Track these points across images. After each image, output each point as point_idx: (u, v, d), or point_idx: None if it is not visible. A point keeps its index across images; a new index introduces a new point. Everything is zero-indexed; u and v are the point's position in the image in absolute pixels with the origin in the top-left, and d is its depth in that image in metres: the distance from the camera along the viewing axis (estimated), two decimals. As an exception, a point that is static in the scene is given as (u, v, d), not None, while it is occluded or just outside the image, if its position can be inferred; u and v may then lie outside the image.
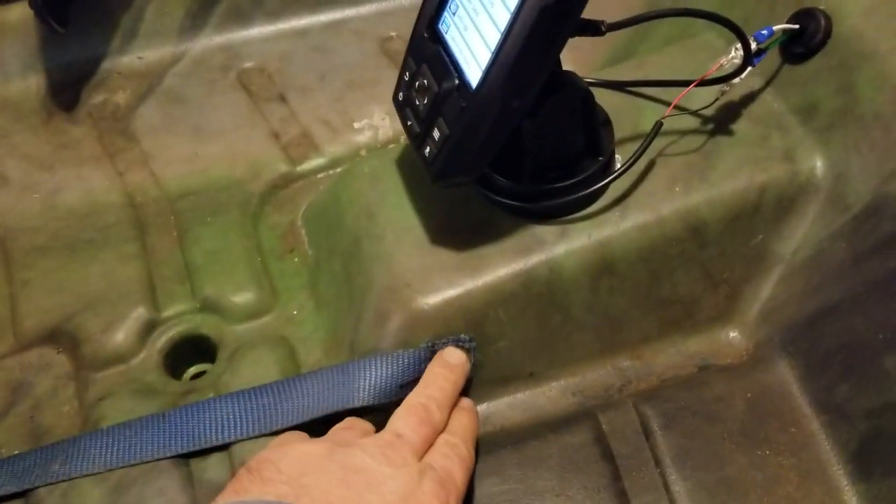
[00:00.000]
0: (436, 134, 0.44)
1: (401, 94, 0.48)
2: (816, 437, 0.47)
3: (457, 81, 0.43)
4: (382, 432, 0.43)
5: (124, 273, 0.58)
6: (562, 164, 0.49)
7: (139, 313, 0.55)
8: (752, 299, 0.52)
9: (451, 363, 0.48)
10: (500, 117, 0.42)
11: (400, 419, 0.44)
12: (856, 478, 0.45)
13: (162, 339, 0.55)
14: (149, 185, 0.64)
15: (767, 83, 0.54)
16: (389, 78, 0.69)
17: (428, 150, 0.45)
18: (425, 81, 0.44)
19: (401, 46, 0.73)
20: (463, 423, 0.46)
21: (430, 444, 0.43)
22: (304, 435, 0.45)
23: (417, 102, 0.45)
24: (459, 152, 0.43)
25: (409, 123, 0.47)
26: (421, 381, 0.47)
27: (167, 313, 0.56)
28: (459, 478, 0.42)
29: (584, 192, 0.49)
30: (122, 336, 0.54)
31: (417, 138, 0.46)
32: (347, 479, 0.39)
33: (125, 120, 0.69)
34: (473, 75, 0.42)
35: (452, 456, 0.43)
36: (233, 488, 0.40)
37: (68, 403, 0.53)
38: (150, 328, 0.55)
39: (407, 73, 0.47)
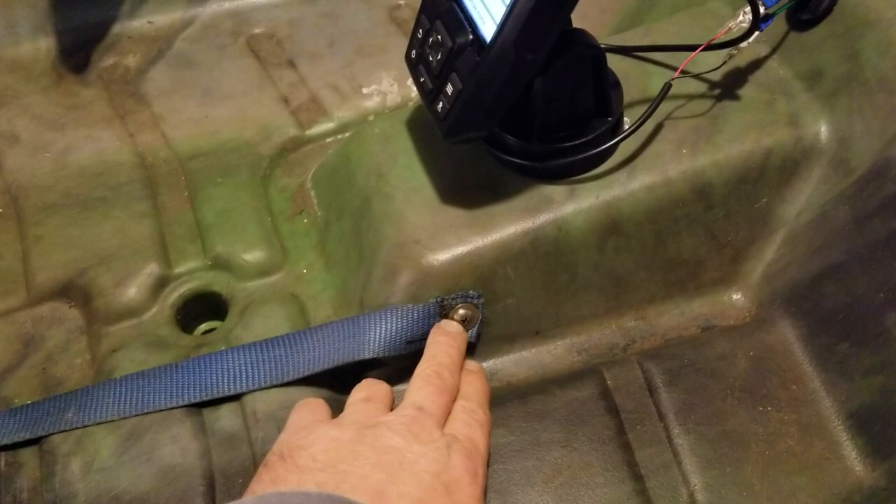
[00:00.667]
0: (449, 89, 0.44)
1: (413, 52, 0.48)
2: (817, 394, 0.48)
3: (471, 36, 0.43)
4: (403, 406, 0.43)
5: (136, 230, 0.58)
6: (571, 123, 0.49)
7: (151, 269, 0.56)
8: (755, 261, 0.53)
9: (450, 332, 0.49)
10: (514, 71, 0.42)
11: (418, 390, 0.44)
12: (855, 432, 0.46)
13: (174, 295, 0.56)
14: (160, 146, 0.65)
15: (774, 50, 0.55)
16: (398, 45, 0.70)
17: (441, 105, 0.45)
18: (439, 37, 0.45)
19: (409, 15, 0.73)
20: (475, 386, 0.47)
21: (448, 412, 0.44)
22: (322, 410, 0.45)
23: (431, 59, 0.46)
24: (472, 107, 0.44)
25: (421, 80, 0.47)
26: (426, 351, 0.48)
27: (179, 270, 0.57)
28: (482, 443, 0.43)
29: (592, 152, 0.49)
30: (134, 291, 0.55)
31: (430, 94, 0.46)
32: (381, 462, 0.39)
33: (135, 83, 0.69)
34: (488, 30, 0.42)
35: (472, 423, 0.44)
36: (269, 477, 0.40)
37: (80, 356, 0.54)
38: (162, 284, 0.56)
39: (420, 31, 0.48)
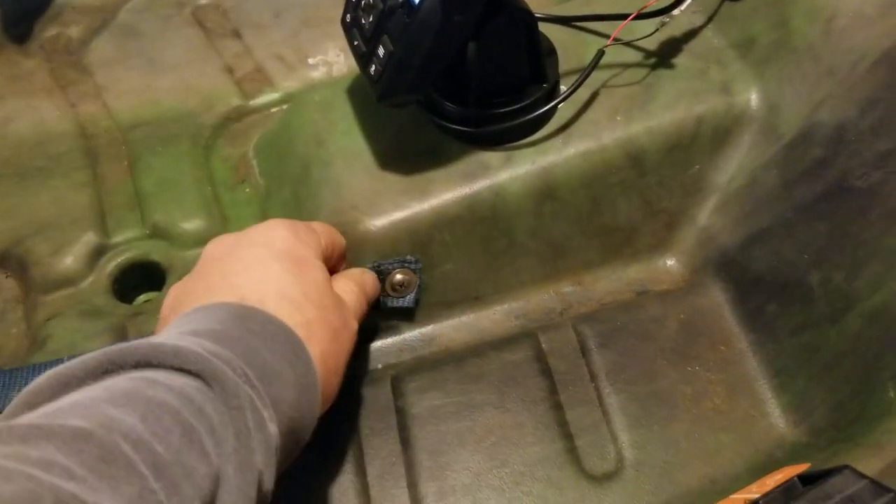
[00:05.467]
0: (380, 52, 0.45)
1: (348, 15, 0.49)
2: (744, 355, 0.49)
3: (401, -1, 0.43)
4: None
5: (74, 200, 0.58)
6: (507, 89, 0.50)
7: (88, 238, 0.55)
8: (689, 227, 0.54)
9: None
10: (443, 32, 0.42)
11: None
12: (779, 391, 0.48)
13: (111, 264, 0.55)
14: (101, 116, 0.64)
15: (709, 20, 0.55)
16: (343, 16, 0.70)
17: (373, 68, 0.45)
18: (371, 0, 0.45)
19: (357, -13, 0.73)
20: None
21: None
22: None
23: (363, 21, 0.46)
24: (403, 69, 0.44)
25: (355, 43, 0.47)
26: None
27: (116, 239, 0.56)
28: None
29: (527, 118, 0.50)
30: (70, 260, 0.55)
31: (363, 57, 0.46)
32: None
33: (78, 53, 0.68)
34: (418, -7, 0.43)
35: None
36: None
37: (16, 325, 0.54)
38: (99, 253, 0.55)
39: (354, -5, 0.48)
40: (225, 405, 0.31)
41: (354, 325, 0.43)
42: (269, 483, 0.32)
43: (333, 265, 0.46)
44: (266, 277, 0.39)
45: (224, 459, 0.30)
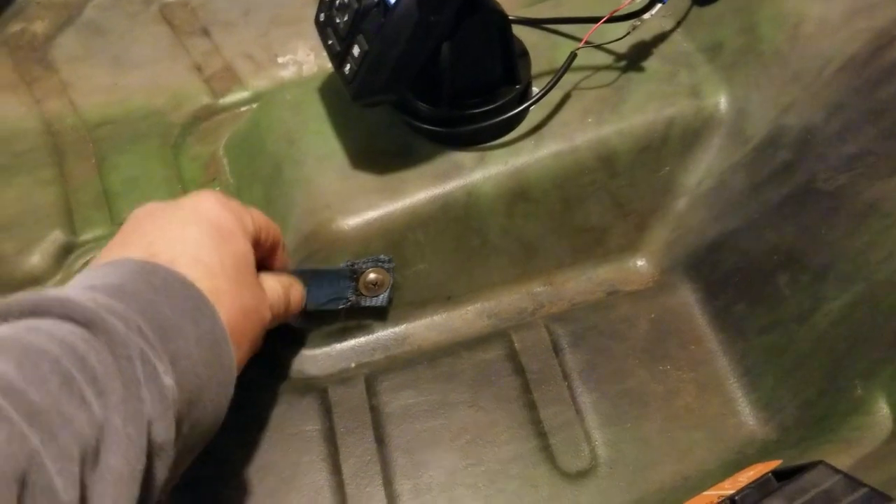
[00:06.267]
0: (356, 51, 0.45)
1: (322, 14, 0.48)
2: (714, 354, 0.50)
3: (377, -2, 0.43)
4: None
5: (41, 197, 0.57)
6: (480, 90, 0.50)
7: (55, 236, 0.55)
8: (659, 228, 0.55)
9: None
10: (418, 32, 0.43)
11: None
12: (749, 389, 0.48)
13: (79, 263, 0.54)
14: (66, 113, 0.63)
15: (678, 24, 0.56)
16: (314, 15, 0.69)
17: (348, 67, 0.45)
18: (346, -1, 0.45)
19: (327, -13, 0.73)
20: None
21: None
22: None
23: (338, 21, 0.46)
24: (378, 68, 0.44)
25: (329, 43, 0.47)
26: None
27: (84, 237, 0.56)
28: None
29: (501, 118, 0.50)
30: (37, 258, 0.54)
31: (338, 57, 0.46)
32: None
33: (43, 49, 0.67)
34: (393, -8, 0.43)
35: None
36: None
37: (-20, 325, 0.52)
38: (66, 251, 0.55)
39: (329, -6, 0.48)
40: (112, 355, 0.30)
41: (267, 314, 0.42)
42: (163, 434, 0.32)
43: (266, 253, 0.46)
44: (183, 239, 0.38)
45: (110, 410, 0.29)
